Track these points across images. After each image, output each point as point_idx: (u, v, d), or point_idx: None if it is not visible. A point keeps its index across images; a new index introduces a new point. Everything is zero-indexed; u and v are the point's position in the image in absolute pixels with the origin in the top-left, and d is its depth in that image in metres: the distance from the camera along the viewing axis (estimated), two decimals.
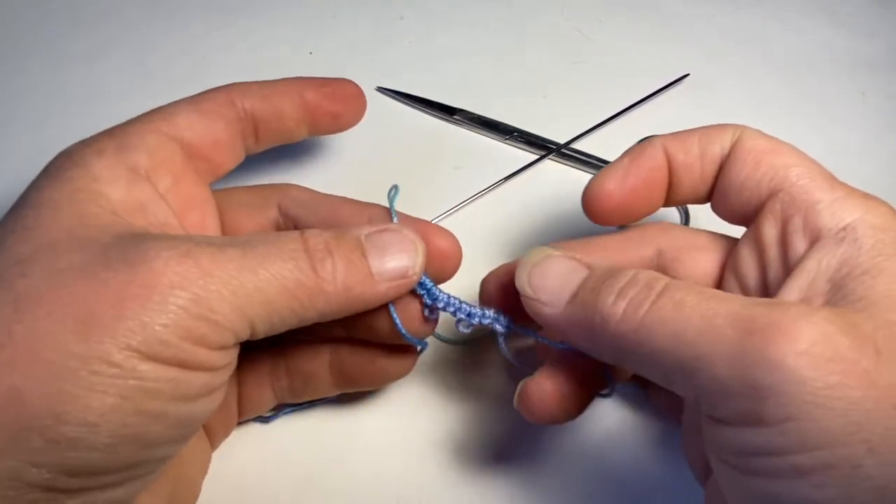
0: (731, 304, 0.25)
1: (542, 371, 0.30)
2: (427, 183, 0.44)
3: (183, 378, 0.25)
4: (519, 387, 0.31)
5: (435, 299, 0.31)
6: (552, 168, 0.45)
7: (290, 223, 0.34)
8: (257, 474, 0.36)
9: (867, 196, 0.28)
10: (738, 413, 0.24)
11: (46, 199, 0.27)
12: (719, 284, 0.31)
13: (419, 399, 0.38)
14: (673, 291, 0.26)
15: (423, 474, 0.36)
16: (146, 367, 0.24)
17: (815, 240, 0.27)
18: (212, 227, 0.33)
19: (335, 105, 0.37)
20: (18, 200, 0.28)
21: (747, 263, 0.30)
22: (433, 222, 0.33)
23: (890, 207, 0.28)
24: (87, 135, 0.32)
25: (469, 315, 0.32)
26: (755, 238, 0.30)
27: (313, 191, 0.35)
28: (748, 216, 0.30)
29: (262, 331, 0.27)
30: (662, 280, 0.27)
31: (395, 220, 0.32)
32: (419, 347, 0.33)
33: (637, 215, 0.33)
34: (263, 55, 0.49)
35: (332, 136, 0.36)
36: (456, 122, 0.46)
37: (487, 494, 0.35)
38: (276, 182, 0.36)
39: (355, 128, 0.39)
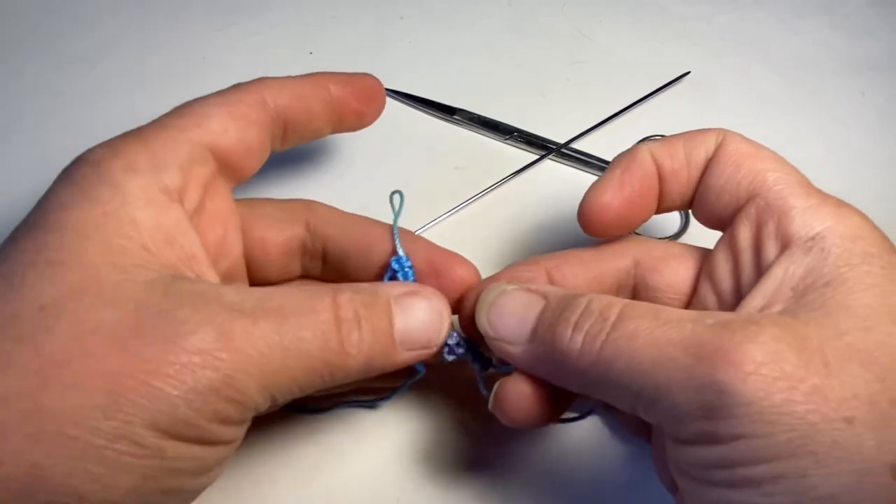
0: (682, 329, 0.25)
1: (518, 372, 0.30)
2: (427, 183, 0.44)
3: (203, 455, 0.25)
4: (494, 388, 0.30)
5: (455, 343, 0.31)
6: (552, 168, 0.45)
7: (318, 242, 0.34)
8: (256, 474, 0.36)
9: (840, 204, 0.28)
10: (695, 434, 0.24)
11: (72, 222, 0.25)
12: (695, 291, 0.32)
13: (419, 398, 0.38)
14: (626, 321, 0.26)
15: (423, 474, 0.36)
16: (171, 447, 0.24)
17: (785, 246, 0.28)
18: (234, 243, 0.32)
19: (361, 104, 0.36)
20: (36, 213, 0.26)
21: (722, 268, 0.30)
22: (453, 252, 0.33)
23: (862, 216, 0.28)
24: (88, 135, 0.32)
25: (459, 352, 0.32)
26: (730, 242, 0.30)
27: (339, 210, 0.34)
28: (726, 220, 0.31)
29: (283, 401, 0.27)
30: (616, 306, 0.27)
31: (399, 251, 0.32)
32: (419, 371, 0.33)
33: (634, 224, 0.33)
34: (264, 55, 0.49)
35: (333, 135, 0.36)
36: (456, 122, 0.46)
37: (488, 495, 0.35)
38: (275, 183, 0.36)
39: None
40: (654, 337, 0.25)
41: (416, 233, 0.41)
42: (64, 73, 0.48)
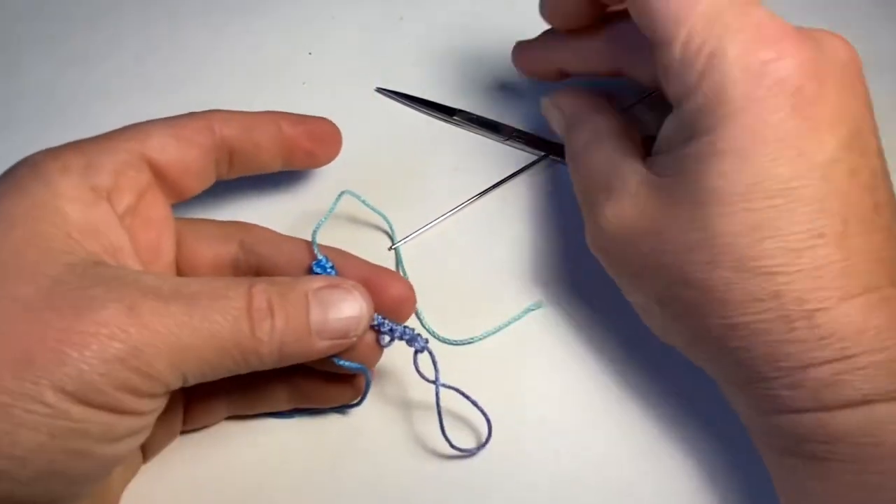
0: None
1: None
2: (427, 183, 0.44)
3: (111, 422, 0.26)
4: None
5: (391, 332, 0.33)
6: (552, 168, 0.45)
7: (253, 260, 0.34)
8: (253, 474, 0.36)
9: None
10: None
11: (2, 213, 0.28)
12: None
13: (418, 398, 0.38)
14: None
15: (423, 474, 0.36)
16: (77, 410, 0.25)
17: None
18: (167, 249, 0.33)
19: (311, 143, 0.38)
20: None
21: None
22: (387, 269, 0.35)
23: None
24: (87, 135, 0.32)
25: (407, 338, 0.33)
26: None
27: (274, 231, 0.36)
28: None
29: (194, 381, 0.28)
30: None
31: (321, 256, 0.33)
32: (366, 376, 0.34)
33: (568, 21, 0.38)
34: (263, 55, 0.49)
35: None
36: (456, 123, 0.46)
37: (488, 493, 0.35)
38: (270, 182, 0.36)
39: (354, 129, 0.39)
40: None
41: (418, 233, 0.41)
42: (64, 73, 0.48)
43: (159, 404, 0.28)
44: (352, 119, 0.42)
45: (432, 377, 0.34)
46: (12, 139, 0.46)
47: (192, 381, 0.28)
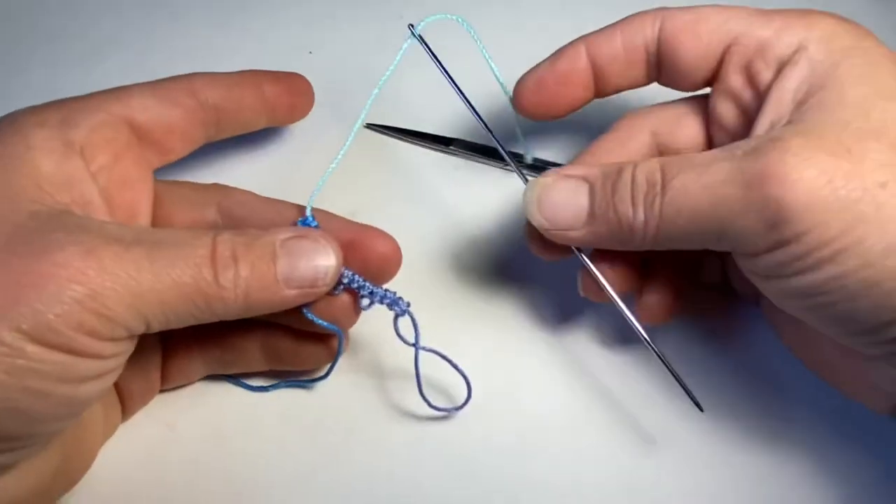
0: (722, 168, 0.28)
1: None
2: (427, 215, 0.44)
3: (70, 363, 0.26)
4: (579, 276, 0.35)
5: (361, 289, 0.32)
6: None
7: (230, 224, 0.34)
8: (251, 468, 0.36)
9: (804, 13, 0.32)
10: (767, 245, 0.28)
11: None
12: (710, 139, 0.35)
13: (392, 365, 0.38)
14: (673, 181, 0.29)
15: (422, 474, 0.36)
16: (34, 349, 0.25)
17: (777, 71, 0.31)
18: (143, 211, 0.33)
19: (292, 97, 0.39)
20: None
21: (728, 114, 0.33)
22: (372, 226, 0.34)
23: (829, 16, 0.32)
24: None
25: (381, 298, 0.33)
26: (726, 91, 0.33)
27: (254, 194, 0.35)
28: (703, 82, 0.34)
29: (157, 327, 0.28)
30: (657, 169, 0.30)
31: (309, 215, 0.33)
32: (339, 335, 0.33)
33: (561, 109, 0.36)
34: (263, 55, 0.49)
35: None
36: (453, 153, 0.45)
37: (489, 494, 0.35)
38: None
39: (348, 160, 0.39)
40: (702, 185, 0.29)
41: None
42: (64, 73, 0.48)
43: (123, 348, 0.28)
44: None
45: (412, 341, 0.34)
46: None
47: (156, 327, 0.28)
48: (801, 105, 0.30)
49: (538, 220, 0.32)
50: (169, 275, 0.27)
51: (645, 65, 0.35)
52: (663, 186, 0.29)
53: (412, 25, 0.36)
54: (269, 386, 0.38)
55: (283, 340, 0.35)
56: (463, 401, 0.35)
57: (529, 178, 0.34)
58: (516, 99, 0.37)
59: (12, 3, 0.52)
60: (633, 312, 0.34)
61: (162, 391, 0.37)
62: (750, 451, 0.36)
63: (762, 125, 0.31)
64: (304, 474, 0.36)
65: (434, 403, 0.35)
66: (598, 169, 0.32)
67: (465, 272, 0.41)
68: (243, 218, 0.34)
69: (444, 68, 0.36)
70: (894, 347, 0.29)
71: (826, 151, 0.27)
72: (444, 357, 0.34)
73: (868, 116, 0.28)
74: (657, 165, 0.30)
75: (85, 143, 0.30)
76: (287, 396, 0.38)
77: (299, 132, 0.46)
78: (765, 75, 0.31)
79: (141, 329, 0.28)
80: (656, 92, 0.37)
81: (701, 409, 0.34)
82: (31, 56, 0.49)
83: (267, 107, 0.38)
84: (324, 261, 0.30)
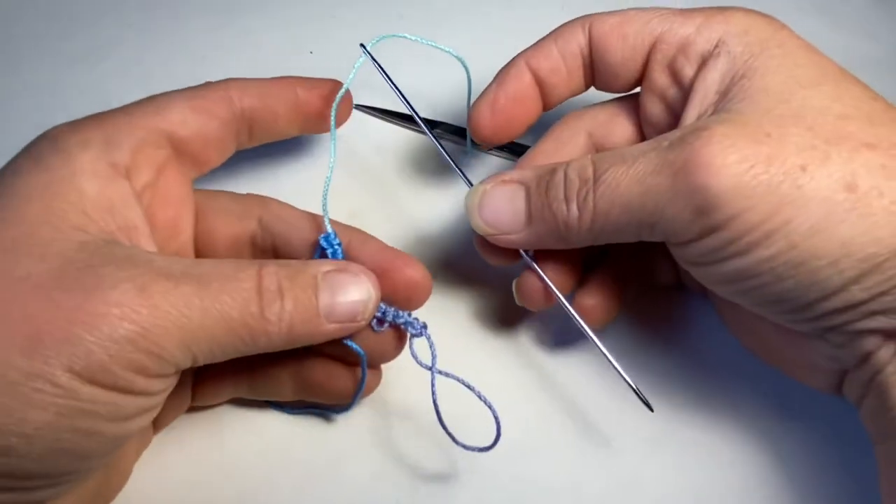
0: (650, 159, 0.29)
1: (525, 272, 0.35)
2: (410, 198, 0.44)
3: (120, 402, 0.26)
4: (514, 285, 0.36)
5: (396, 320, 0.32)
6: None
7: (269, 238, 0.34)
8: (255, 470, 0.36)
9: (722, 10, 0.33)
10: (697, 232, 0.29)
11: (20, 186, 0.28)
12: (643, 139, 0.36)
13: (418, 396, 0.38)
14: (604, 175, 0.30)
15: (422, 473, 0.36)
16: (86, 390, 0.25)
17: (700, 66, 0.32)
18: (185, 227, 0.33)
19: (326, 107, 0.38)
20: None
21: (656, 110, 0.34)
22: (403, 252, 0.34)
23: (745, 11, 0.32)
24: None
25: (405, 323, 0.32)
26: (653, 89, 0.34)
27: (292, 206, 0.35)
28: (635, 82, 0.35)
29: (203, 361, 0.28)
30: (588, 165, 0.31)
31: (328, 229, 0.33)
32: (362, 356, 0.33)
33: (518, 128, 0.37)
34: (263, 55, 0.49)
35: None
36: (440, 136, 0.46)
37: (489, 492, 0.35)
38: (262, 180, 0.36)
39: (348, 160, 0.38)
40: (631, 176, 0.29)
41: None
42: (64, 73, 0.48)
43: (169, 384, 0.28)
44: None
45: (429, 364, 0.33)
46: (12, 140, 0.45)
47: (201, 362, 0.28)
48: (723, 96, 0.31)
49: (480, 226, 0.33)
50: (217, 310, 0.27)
51: (582, 71, 0.36)
52: (595, 181, 0.30)
53: (363, 45, 0.37)
54: (297, 410, 0.37)
55: (316, 373, 0.34)
56: (494, 438, 0.33)
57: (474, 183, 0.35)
58: (474, 128, 0.37)
59: (12, 2, 0.52)
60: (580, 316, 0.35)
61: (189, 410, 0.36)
62: (701, 444, 0.37)
63: (688, 119, 0.31)
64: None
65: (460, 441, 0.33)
66: (532, 171, 0.33)
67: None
68: (281, 233, 0.34)
69: (394, 84, 0.38)
70: (824, 323, 0.29)
71: (748, 138, 0.28)
72: (467, 385, 0.33)
73: (788, 103, 0.29)
74: (588, 161, 0.31)
75: (130, 165, 0.30)
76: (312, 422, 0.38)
77: None
78: (688, 71, 0.32)
79: (188, 364, 0.28)
80: (594, 96, 0.38)
81: (651, 409, 0.35)
82: (31, 56, 0.49)
83: (300, 116, 0.37)
84: (363, 295, 0.30)
